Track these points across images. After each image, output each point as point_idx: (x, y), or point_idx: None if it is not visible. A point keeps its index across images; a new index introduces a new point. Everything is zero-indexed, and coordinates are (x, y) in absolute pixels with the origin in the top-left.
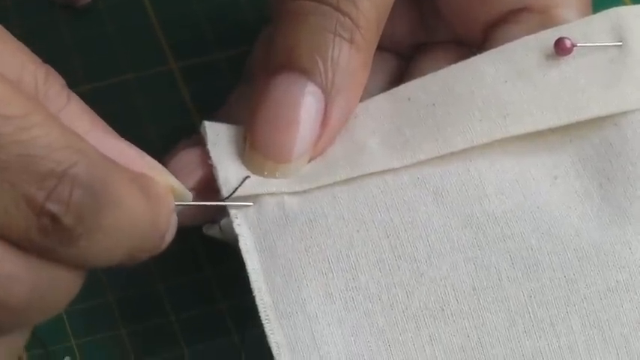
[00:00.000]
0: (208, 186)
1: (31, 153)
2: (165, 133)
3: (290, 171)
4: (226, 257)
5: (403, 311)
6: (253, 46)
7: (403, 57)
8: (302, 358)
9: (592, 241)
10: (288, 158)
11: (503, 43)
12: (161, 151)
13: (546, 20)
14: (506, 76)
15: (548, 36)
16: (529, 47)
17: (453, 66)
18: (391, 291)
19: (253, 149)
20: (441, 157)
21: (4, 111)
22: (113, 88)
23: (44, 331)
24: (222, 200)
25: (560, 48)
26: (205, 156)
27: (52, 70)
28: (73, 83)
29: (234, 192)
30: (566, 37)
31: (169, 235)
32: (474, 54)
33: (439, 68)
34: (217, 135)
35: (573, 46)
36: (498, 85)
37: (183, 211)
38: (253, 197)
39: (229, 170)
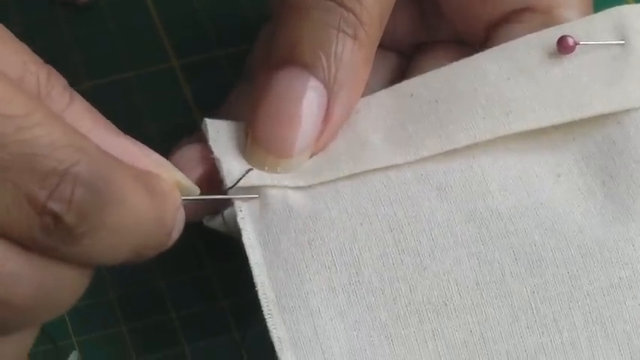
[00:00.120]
0: (210, 182)
1: (32, 152)
2: (166, 131)
3: (291, 166)
4: (227, 254)
5: (406, 306)
6: (254, 44)
7: (404, 56)
8: (304, 353)
9: (595, 237)
10: (290, 153)
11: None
12: (162, 149)
13: (548, 20)
14: (509, 74)
15: (551, 34)
16: (532, 45)
17: (456, 63)
18: (394, 285)
19: (255, 144)
20: (444, 154)
21: (6, 110)
22: (114, 85)
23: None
24: (226, 191)
25: (563, 46)
26: (206, 152)
27: (53, 71)
28: (74, 81)
29: (237, 182)
30: (568, 36)
31: (176, 232)
32: (476, 53)
33: (440, 67)
34: (218, 132)
35: (576, 44)
36: (501, 82)
37: (186, 206)
38: (257, 191)
39: (232, 163)
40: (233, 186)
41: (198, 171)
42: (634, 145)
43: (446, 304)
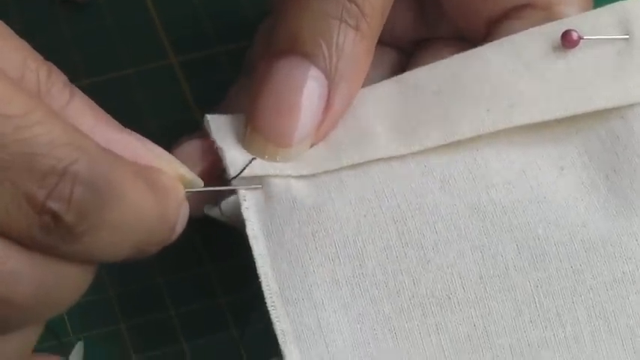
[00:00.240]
0: (211, 177)
1: (31, 151)
2: (165, 128)
3: (291, 155)
4: (226, 252)
5: (410, 299)
6: (253, 39)
7: (404, 52)
8: (307, 345)
9: (599, 232)
10: (290, 142)
11: None
12: (162, 146)
13: (549, 17)
14: (513, 67)
15: (555, 28)
16: (536, 38)
17: (460, 55)
18: (398, 278)
19: (254, 132)
20: (448, 147)
21: (5, 110)
22: (113, 82)
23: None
24: (230, 181)
25: (567, 40)
26: (207, 147)
27: (54, 68)
28: (73, 78)
29: (241, 171)
30: (573, 30)
31: (180, 226)
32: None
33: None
34: (220, 125)
35: (580, 38)
36: (505, 74)
37: (189, 199)
38: (260, 181)
39: (235, 153)
40: (237, 175)
41: (199, 166)
42: (637, 140)
43: (449, 298)
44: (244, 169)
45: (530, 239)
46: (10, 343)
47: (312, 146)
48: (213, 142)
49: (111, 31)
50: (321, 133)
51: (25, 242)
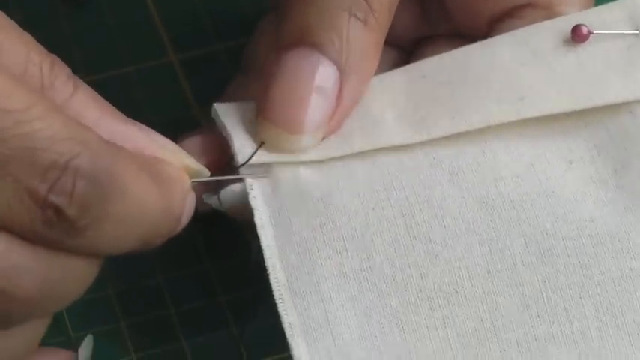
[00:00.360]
0: (214, 172)
1: (33, 146)
2: (165, 125)
3: (302, 144)
4: (226, 250)
5: (417, 292)
6: (252, 35)
7: (405, 51)
8: (315, 338)
9: (607, 227)
10: (301, 130)
11: None
12: None
13: (550, 17)
14: (523, 59)
15: (565, 23)
16: (546, 32)
17: (470, 46)
18: (405, 271)
19: (266, 121)
20: (456, 139)
21: (5, 104)
22: (113, 80)
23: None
24: (238, 168)
25: (577, 35)
26: (209, 143)
27: (57, 60)
28: None
29: (250, 158)
30: (583, 24)
31: (186, 217)
32: None
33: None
34: (228, 112)
35: (590, 33)
36: (515, 67)
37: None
38: (268, 170)
39: (243, 141)
40: (246, 162)
41: (202, 161)
42: None
43: (457, 292)
44: (253, 155)
45: (538, 234)
46: (15, 337)
47: (324, 139)
48: (214, 138)
49: (111, 29)
50: (332, 125)
51: (28, 237)
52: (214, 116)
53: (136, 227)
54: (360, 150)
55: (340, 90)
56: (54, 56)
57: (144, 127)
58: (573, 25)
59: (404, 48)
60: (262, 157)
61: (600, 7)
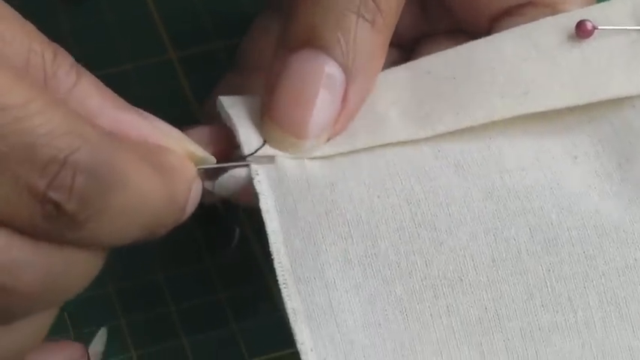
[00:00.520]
0: (220, 161)
1: (32, 142)
2: None
3: (307, 147)
4: (226, 247)
5: (422, 280)
6: (248, 33)
7: (404, 50)
8: (318, 325)
9: (611, 218)
10: (307, 134)
11: None
12: None
13: (552, 14)
14: (528, 54)
15: (570, 18)
16: (550, 28)
17: (473, 42)
18: (410, 259)
19: (272, 123)
20: (461, 134)
21: (4, 100)
22: (112, 78)
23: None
24: (243, 159)
25: (582, 30)
26: (216, 133)
27: (60, 49)
28: None
29: (256, 151)
30: (587, 20)
31: (191, 205)
32: None
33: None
34: (233, 105)
35: (594, 28)
36: (519, 62)
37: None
38: (273, 160)
39: (249, 132)
40: (252, 154)
41: (209, 150)
42: None
43: (461, 280)
44: (260, 148)
45: (543, 224)
46: (18, 331)
47: (329, 140)
48: (221, 128)
49: (110, 26)
50: (338, 127)
51: (29, 231)
52: (219, 108)
53: (138, 218)
54: (364, 146)
55: (346, 92)
56: (56, 45)
57: (147, 114)
58: (577, 20)
59: (404, 47)
60: (268, 150)
61: (603, 4)
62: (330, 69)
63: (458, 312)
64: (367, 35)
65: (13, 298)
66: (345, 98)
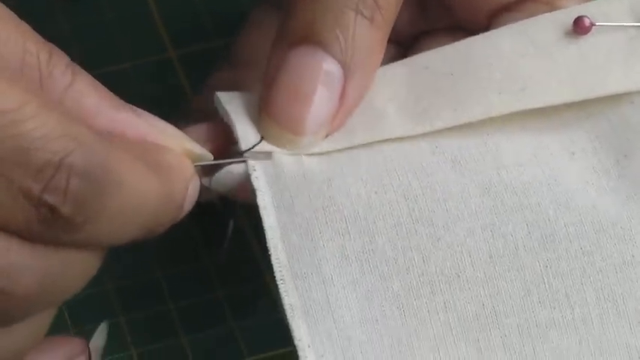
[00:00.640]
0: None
1: (25, 146)
2: None
3: (305, 144)
4: (225, 245)
5: (419, 276)
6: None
7: (403, 46)
8: (315, 320)
9: (609, 214)
10: (304, 131)
11: None
12: None
13: (550, 10)
14: (525, 51)
15: (567, 14)
16: (548, 24)
17: (471, 38)
18: (407, 255)
19: (269, 119)
20: (459, 130)
21: None
22: (111, 76)
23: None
24: (241, 154)
25: (579, 26)
26: (211, 131)
27: (55, 49)
28: None
29: (253, 147)
30: (585, 16)
31: (189, 203)
32: None
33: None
34: (231, 101)
35: (592, 25)
36: (517, 58)
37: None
38: (270, 156)
39: (246, 128)
40: (249, 150)
41: (207, 147)
42: None
43: (458, 276)
44: (257, 144)
45: (540, 220)
46: (18, 332)
47: (327, 136)
48: (219, 125)
49: (109, 25)
50: (335, 124)
51: (25, 235)
52: (217, 104)
53: (135, 218)
54: (362, 142)
55: (344, 89)
56: (51, 45)
57: (143, 112)
58: (575, 17)
59: (402, 44)
60: (265, 146)
61: (601, 0)
62: (329, 65)
63: (455, 308)
64: (366, 32)
65: (12, 300)
66: (343, 95)
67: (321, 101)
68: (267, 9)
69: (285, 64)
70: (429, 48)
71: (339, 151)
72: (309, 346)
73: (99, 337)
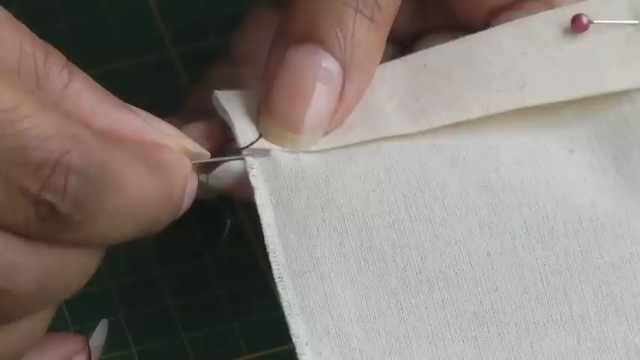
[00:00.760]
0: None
1: (23, 145)
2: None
3: (303, 142)
4: (224, 243)
5: (417, 274)
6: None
7: (402, 45)
8: (313, 319)
9: (607, 212)
10: (303, 129)
11: None
12: None
13: (549, 9)
14: (524, 48)
15: (566, 12)
16: (546, 22)
17: (470, 36)
18: (405, 253)
19: (269, 118)
20: (457, 128)
21: None
22: (111, 74)
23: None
24: (239, 151)
25: (577, 24)
26: (213, 129)
27: (52, 50)
28: None
29: (252, 144)
30: (583, 14)
31: (187, 201)
32: None
33: None
34: (229, 99)
35: (590, 23)
36: (515, 56)
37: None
38: (268, 153)
39: (245, 125)
40: (247, 147)
41: (206, 146)
42: None
43: (456, 274)
44: (255, 141)
45: (538, 217)
46: (17, 331)
47: (325, 135)
48: (217, 124)
49: (109, 23)
50: (334, 122)
51: (24, 233)
52: (215, 103)
53: (134, 217)
54: (360, 140)
55: (343, 87)
56: (48, 46)
57: (141, 111)
58: (573, 15)
59: (401, 42)
60: (263, 144)
61: None
62: (328, 64)
63: (453, 306)
64: (365, 31)
65: (11, 299)
66: (342, 93)
67: (320, 100)
68: (265, 5)
69: (285, 62)
70: (428, 47)
71: (337, 149)
72: (307, 344)
73: (99, 335)
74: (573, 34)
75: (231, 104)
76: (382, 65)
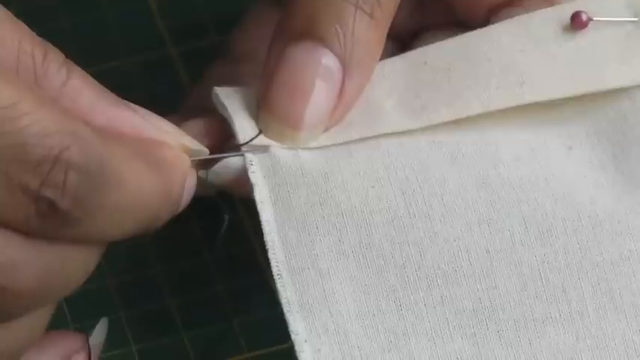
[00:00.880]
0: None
1: (22, 142)
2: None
3: (303, 139)
4: (224, 241)
5: (416, 271)
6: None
7: (402, 42)
8: (312, 315)
9: (606, 209)
10: (303, 126)
11: None
12: None
13: (550, 5)
14: (523, 45)
15: (565, 9)
16: (546, 19)
17: (470, 33)
18: (404, 249)
19: (268, 114)
20: (457, 125)
21: None
22: (111, 73)
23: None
24: (238, 147)
25: (577, 21)
26: (212, 125)
27: (50, 48)
28: None
29: (251, 140)
30: (582, 11)
31: (186, 198)
32: None
33: None
34: (229, 96)
35: (589, 20)
36: (515, 53)
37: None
38: (267, 150)
39: (244, 122)
40: (246, 143)
41: (205, 143)
42: None
43: (455, 271)
44: (255, 137)
45: (537, 214)
46: (17, 329)
47: (325, 131)
48: (217, 120)
49: (109, 21)
50: (334, 119)
51: (24, 230)
52: (215, 99)
53: (133, 214)
54: (359, 137)
55: (343, 84)
56: (47, 44)
57: (139, 108)
58: (573, 12)
59: (401, 39)
60: (262, 140)
61: None
62: (328, 61)
63: (452, 302)
64: (365, 27)
65: (10, 296)
66: (341, 90)
67: (320, 96)
68: (266, 2)
69: (285, 59)
70: (428, 43)
71: (337, 145)
72: (305, 341)
73: (99, 333)
74: (573, 32)
75: (231, 100)
76: (382, 62)
